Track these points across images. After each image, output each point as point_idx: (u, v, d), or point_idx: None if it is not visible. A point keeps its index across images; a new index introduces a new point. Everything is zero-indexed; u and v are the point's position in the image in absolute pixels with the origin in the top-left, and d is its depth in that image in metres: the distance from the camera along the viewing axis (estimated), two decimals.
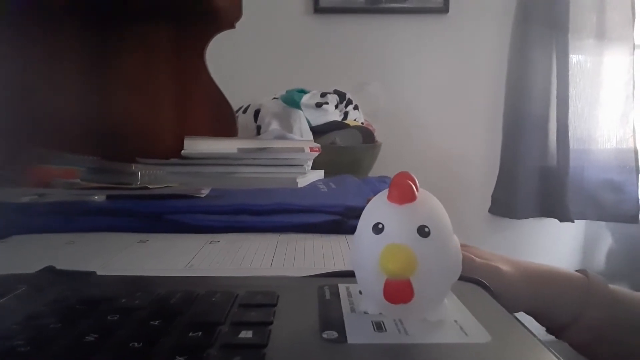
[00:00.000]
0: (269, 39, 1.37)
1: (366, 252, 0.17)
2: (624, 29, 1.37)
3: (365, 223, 0.18)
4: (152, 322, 0.18)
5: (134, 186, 0.49)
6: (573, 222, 1.39)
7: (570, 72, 1.38)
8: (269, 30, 1.36)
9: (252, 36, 1.28)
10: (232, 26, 0.72)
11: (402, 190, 0.17)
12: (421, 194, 0.18)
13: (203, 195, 0.47)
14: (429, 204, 0.18)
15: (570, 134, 1.39)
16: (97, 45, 0.71)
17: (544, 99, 1.41)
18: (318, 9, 1.38)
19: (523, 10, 1.38)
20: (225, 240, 0.36)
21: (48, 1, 0.64)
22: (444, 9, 1.40)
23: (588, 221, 1.45)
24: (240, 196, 0.48)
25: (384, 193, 0.18)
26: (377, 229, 0.17)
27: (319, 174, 0.71)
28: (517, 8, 1.40)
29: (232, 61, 1.23)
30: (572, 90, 1.39)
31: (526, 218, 1.44)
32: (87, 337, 0.17)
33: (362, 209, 0.42)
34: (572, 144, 1.39)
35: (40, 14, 0.64)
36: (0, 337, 0.17)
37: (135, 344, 0.16)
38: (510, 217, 1.44)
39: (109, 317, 0.18)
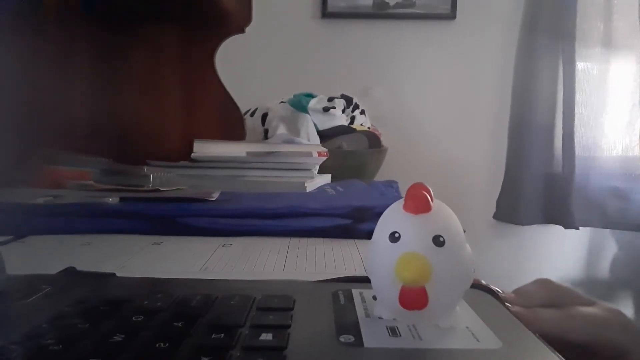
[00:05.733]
0: (277, 43, 1.38)
1: (382, 259, 0.18)
2: (631, 37, 1.37)
3: (381, 231, 0.19)
4: (175, 324, 0.19)
5: (146, 188, 0.50)
6: (578, 229, 1.39)
7: (576, 79, 1.38)
8: (277, 34, 1.37)
9: (260, 40, 1.29)
10: (242, 30, 0.73)
11: (418, 201, 0.18)
12: (436, 204, 0.19)
13: (214, 199, 0.48)
14: (444, 214, 0.19)
15: (575, 141, 1.39)
16: (107, 48, 0.72)
17: (550, 105, 1.41)
18: (326, 14, 1.39)
19: (530, 18, 1.39)
20: (238, 243, 0.37)
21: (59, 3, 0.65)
22: (451, 15, 1.40)
23: (593, 228, 1.45)
24: (250, 199, 0.49)
25: (400, 203, 0.19)
26: (394, 237, 0.18)
27: (326, 178, 0.72)
28: (524, 15, 1.40)
29: (240, 64, 1.24)
30: (579, 98, 1.39)
31: (531, 224, 1.44)
32: (114, 337, 0.17)
33: (369, 208, 0.43)
34: (578, 151, 1.39)
35: (52, 15, 0.65)
36: (32, 335, 0.17)
37: (162, 345, 0.17)
38: (515, 223, 1.44)
39: (133, 318, 0.19)
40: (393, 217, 0.19)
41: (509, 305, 0.26)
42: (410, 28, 1.42)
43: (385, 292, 0.19)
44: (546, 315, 0.27)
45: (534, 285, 0.31)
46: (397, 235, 0.18)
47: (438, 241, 0.17)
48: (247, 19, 0.72)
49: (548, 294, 0.30)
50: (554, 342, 0.18)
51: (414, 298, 0.17)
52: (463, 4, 1.40)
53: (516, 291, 0.31)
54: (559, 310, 0.28)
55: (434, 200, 0.19)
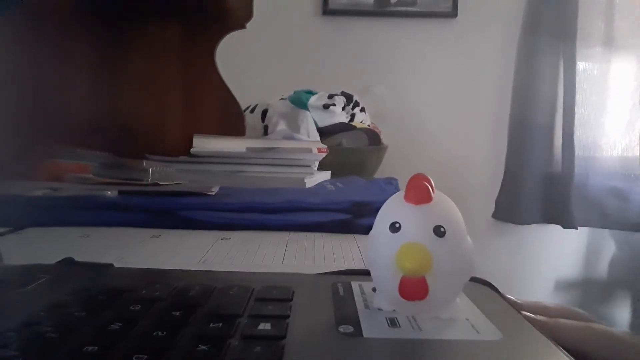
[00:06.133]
0: (278, 40, 1.38)
1: (383, 250, 0.18)
2: (632, 37, 1.37)
3: (382, 222, 0.19)
4: (173, 313, 0.19)
5: (145, 182, 0.50)
6: (577, 229, 1.40)
7: (577, 79, 1.38)
8: (278, 31, 1.37)
9: (261, 36, 1.29)
10: (242, 26, 0.73)
11: (419, 191, 0.18)
12: (437, 195, 0.18)
13: (213, 193, 0.48)
14: (445, 205, 0.18)
15: (575, 140, 1.39)
16: (108, 43, 0.72)
17: (550, 105, 1.41)
18: (327, 11, 1.39)
19: (531, 17, 1.39)
20: (237, 237, 0.37)
21: None
22: (453, 13, 1.40)
23: (592, 228, 1.45)
24: (249, 194, 0.49)
25: (401, 194, 0.19)
26: (394, 228, 0.18)
27: (326, 174, 0.72)
28: (526, 14, 1.40)
29: (240, 61, 1.24)
30: (579, 97, 1.39)
31: (530, 224, 1.44)
32: (112, 325, 0.17)
33: (369, 203, 0.42)
34: (578, 151, 1.39)
35: (52, 11, 0.65)
36: (29, 323, 0.17)
37: (160, 333, 0.17)
38: (514, 223, 1.44)
39: (131, 307, 0.19)
40: (394, 208, 0.19)
41: (530, 315, 0.25)
42: (412, 26, 1.41)
43: (385, 283, 0.18)
44: (568, 324, 0.26)
45: (553, 304, 0.31)
46: (397, 225, 0.18)
47: (439, 231, 0.17)
48: (248, 15, 0.72)
49: (567, 312, 0.29)
50: (574, 353, 0.17)
51: (414, 288, 0.17)
52: (464, 3, 1.40)
53: (535, 303, 0.30)
54: (580, 322, 0.27)
55: (435, 191, 0.18)
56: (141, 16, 0.72)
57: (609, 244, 1.51)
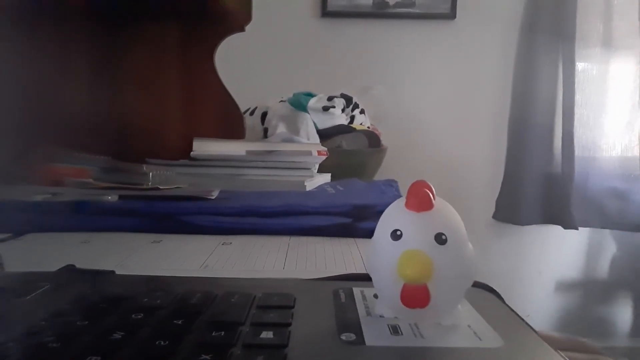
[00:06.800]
0: (277, 42, 1.38)
1: (384, 257, 0.18)
2: (631, 37, 1.37)
3: (383, 229, 0.19)
4: (175, 321, 0.18)
5: (145, 187, 0.50)
6: (577, 229, 1.40)
7: (576, 79, 1.38)
8: (277, 33, 1.37)
9: (260, 39, 1.29)
10: (242, 29, 0.73)
11: (420, 199, 0.18)
12: (438, 202, 0.18)
13: (213, 197, 0.48)
14: (446, 212, 0.18)
15: (575, 141, 1.39)
16: (107, 45, 0.72)
17: (550, 106, 1.41)
18: (326, 13, 1.39)
19: (530, 18, 1.39)
20: (238, 242, 0.37)
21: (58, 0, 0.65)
22: (451, 15, 1.40)
23: (592, 229, 1.45)
24: (249, 198, 0.49)
25: (402, 200, 0.19)
26: (396, 235, 0.18)
27: (326, 177, 0.72)
28: (524, 15, 1.40)
29: (239, 63, 1.24)
30: (578, 98, 1.39)
31: (530, 224, 1.44)
32: (114, 335, 0.17)
33: (369, 207, 0.42)
34: (577, 152, 1.40)
35: (51, 12, 0.65)
36: (30, 332, 0.17)
37: (162, 342, 0.17)
38: (514, 223, 1.44)
39: (133, 316, 0.19)
40: (395, 215, 0.19)
41: None
42: (410, 28, 1.41)
43: (386, 290, 0.18)
44: (575, 357, 0.26)
45: (559, 334, 0.30)
46: (398, 233, 0.18)
47: (440, 239, 0.17)
48: (247, 18, 0.72)
49: (574, 344, 0.29)
50: None
51: (415, 296, 0.17)
52: (463, 4, 1.40)
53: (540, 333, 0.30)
54: (586, 354, 0.27)
55: (436, 197, 0.18)
56: (140, 18, 0.72)
57: (609, 245, 1.51)
